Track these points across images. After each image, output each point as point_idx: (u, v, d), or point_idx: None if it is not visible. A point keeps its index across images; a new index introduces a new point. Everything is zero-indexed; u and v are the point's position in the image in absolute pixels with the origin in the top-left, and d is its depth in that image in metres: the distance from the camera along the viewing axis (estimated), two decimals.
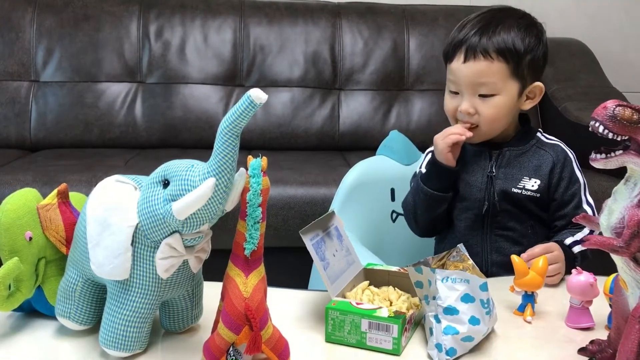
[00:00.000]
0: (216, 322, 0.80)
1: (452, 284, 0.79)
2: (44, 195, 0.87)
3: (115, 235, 0.74)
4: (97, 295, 0.83)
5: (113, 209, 0.75)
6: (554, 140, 1.15)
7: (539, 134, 1.15)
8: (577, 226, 1.09)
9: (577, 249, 1.06)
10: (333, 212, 0.94)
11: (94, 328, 0.84)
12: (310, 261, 1.48)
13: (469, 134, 1.07)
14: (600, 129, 0.64)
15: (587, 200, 1.11)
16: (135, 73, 2.22)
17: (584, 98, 2.20)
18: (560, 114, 2.15)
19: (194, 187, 0.71)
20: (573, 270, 0.87)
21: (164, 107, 2.20)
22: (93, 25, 2.20)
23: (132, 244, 0.75)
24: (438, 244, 1.24)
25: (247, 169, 0.74)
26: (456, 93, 1.09)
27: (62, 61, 2.18)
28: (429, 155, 1.18)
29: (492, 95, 1.06)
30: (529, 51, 1.06)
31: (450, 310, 0.78)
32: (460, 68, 1.07)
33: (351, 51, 2.30)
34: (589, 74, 2.37)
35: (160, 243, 0.74)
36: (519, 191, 1.09)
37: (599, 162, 0.66)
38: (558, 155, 1.11)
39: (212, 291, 0.87)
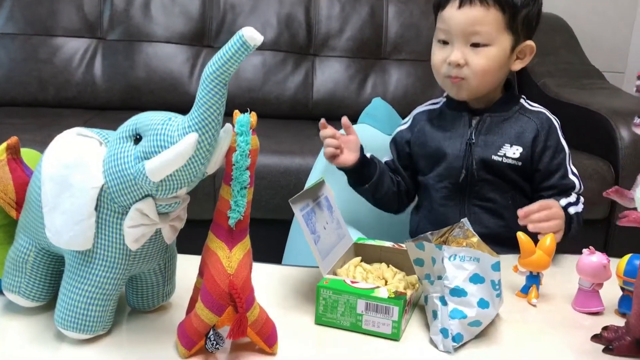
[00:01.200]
0: (193, 301, 0.70)
1: (461, 262, 0.71)
2: None
3: (76, 197, 0.64)
4: (53, 267, 0.73)
5: (74, 167, 0.65)
6: (538, 107, 1.09)
7: (522, 101, 1.09)
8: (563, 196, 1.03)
9: (572, 210, 1.01)
10: (323, 181, 0.85)
11: (48, 305, 0.74)
12: (283, 234, 1.41)
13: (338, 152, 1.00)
14: None
15: (572, 171, 1.06)
16: (95, 28, 2.06)
17: (563, 74, 2.16)
18: (540, 90, 2.09)
19: (171, 143, 0.61)
20: (584, 250, 0.80)
21: (125, 66, 2.05)
22: None
23: (96, 209, 0.65)
24: (414, 216, 1.17)
25: (233, 126, 0.64)
26: (445, 43, 1.03)
27: (14, 11, 2.00)
28: None
29: (485, 45, 1.00)
30: (525, 5, 1.01)
31: (457, 292, 0.70)
32: (454, 14, 1.01)
33: (327, 15, 2.18)
34: (568, 51, 2.32)
35: (129, 208, 0.64)
36: (499, 159, 1.03)
37: None
38: (542, 122, 1.05)
39: (186, 265, 0.77)
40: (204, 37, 2.11)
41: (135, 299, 0.75)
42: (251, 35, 0.58)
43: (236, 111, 0.65)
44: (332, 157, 1.00)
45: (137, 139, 0.63)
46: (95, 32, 2.06)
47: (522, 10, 1.01)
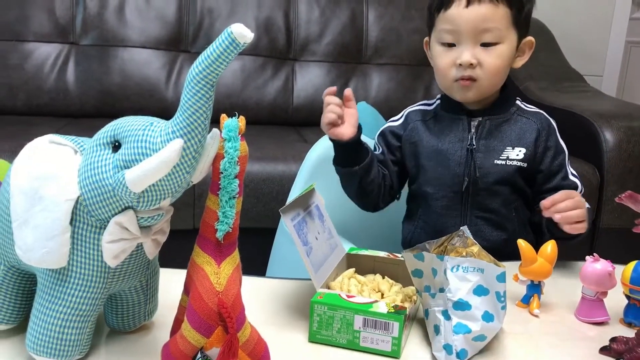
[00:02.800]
0: (178, 321, 0.65)
1: (464, 273, 0.67)
2: None
3: (48, 211, 0.59)
4: (24, 286, 0.67)
5: (46, 178, 0.59)
6: (534, 108, 1.06)
7: (518, 102, 1.06)
8: None
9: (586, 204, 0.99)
10: (313, 189, 0.80)
11: (18, 328, 0.68)
12: (266, 243, 1.37)
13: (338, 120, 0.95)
14: None
15: (572, 172, 1.04)
16: (67, 33, 1.99)
17: (545, 77, 2.15)
18: (522, 94, 2.08)
19: (154, 150, 0.56)
20: (588, 258, 0.77)
21: (99, 72, 1.98)
22: None
23: (71, 223, 0.59)
24: (407, 225, 1.12)
25: (220, 131, 0.60)
26: (451, 45, 0.98)
27: None
28: None
29: (496, 43, 0.97)
30: (528, 0, 0.99)
31: (461, 305, 0.66)
32: (462, 13, 0.96)
33: (307, 19, 2.15)
34: (549, 54, 2.31)
35: (108, 222, 0.59)
36: (503, 162, 1.00)
37: None
38: (542, 122, 1.03)
39: (169, 279, 0.72)
40: (181, 42, 2.06)
41: (115, 319, 0.70)
42: (240, 32, 0.53)
43: (223, 115, 0.60)
44: (330, 125, 0.94)
45: (116, 146, 0.58)
46: (68, 37, 1.99)
47: (527, 5, 0.99)
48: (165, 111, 1.99)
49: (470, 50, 0.96)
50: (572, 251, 0.96)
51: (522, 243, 0.78)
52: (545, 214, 0.89)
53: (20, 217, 0.60)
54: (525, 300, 0.81)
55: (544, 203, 0.90)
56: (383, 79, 2.19)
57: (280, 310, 0.77)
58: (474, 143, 1.01)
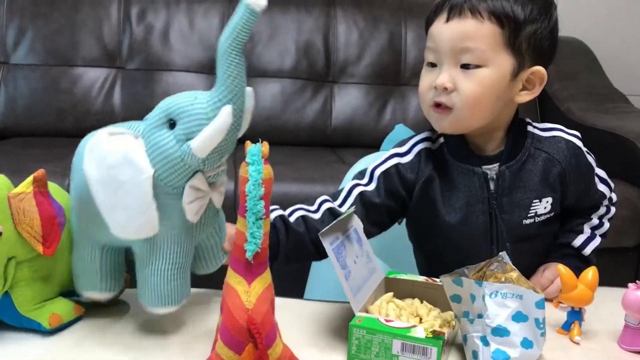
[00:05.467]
0: (215, 341, 0.67)
1: (503, 299, 0.67)
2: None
3: (132, 192, 0.67)
4: (118, 259, 0.78)
5: (120, 165, 0.67)
6: (550, 131, 0.92)
7: (530, 128, 0.91)
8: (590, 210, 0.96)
9: (589, 249, 0.95)
10: (352, 213, 0.82)
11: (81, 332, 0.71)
12: (304, 265, 1.38)
13: None
14: None
15: (601, 177, 0.94)
16: (114, 58, 2.06)
17: (586, 98, 2.12)
18: (564, 115, 2.06)
19: (207, 119, 0.65)
20: (631, 285, 0.76)
21: (144, 95, 2.05)
22: (70, 4, 2.03)
23: (153, 197, 0.68)
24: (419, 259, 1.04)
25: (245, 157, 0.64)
26: (434, 65, 0.86)
27: (36, 42, 2.01)
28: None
29: (477, 66, 0.82)
30: (531, 21, 0.83)
31: (500, 331, 0.66)
32: (441, 29, 0.84)
33: (345, 42, 2.18)
34: (591, 74, 2.29)
35: (183, 187, 0.68)
36: (532, 221, 0.89)
37: None
38: (565, 156, 0.89)
39: (208, 300, 0.75)
40: None
41: (200, 265, 0.79)
42: (255, 1, 0.62)
43: (247, 142, 0.64)
44: None
45: (172, 124, 0.66)
46: (115, 62, 2.06)
47: (527, 27, 0.83)
48: None
49: (448, 71, 0.83)
50: (616, 277, 0.94)
51: (562, 269, 0.78)
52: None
53: (107, 205, 0.68)
54: (566, 327, 0.80)
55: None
56: None
57: (319, 332, 0.78)
58: (495, 203, 0.88)
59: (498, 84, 0.84)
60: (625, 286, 0.77)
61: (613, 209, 0.98)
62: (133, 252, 0.74)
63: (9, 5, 2.01)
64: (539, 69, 0.86)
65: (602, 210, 0.97)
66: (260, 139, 0.64)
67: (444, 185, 0.90)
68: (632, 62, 2.57)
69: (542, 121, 1.00)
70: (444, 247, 0.93)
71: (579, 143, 0.92)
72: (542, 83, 0.87)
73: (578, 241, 0.96)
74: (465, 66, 0.83)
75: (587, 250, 0.96)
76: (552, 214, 0.91)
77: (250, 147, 0.63)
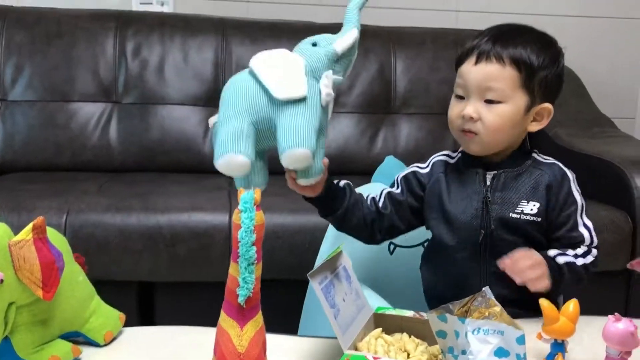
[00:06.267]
0: None
1: (485, 336, 0.70)
2: (16, 226, 0.76)
3: (294, 70, 0.90)
4: (256, 140, 0.90)
5: (287, 58, 0.92)
6: (551, 159, 1.09)
7: (534, 154, 1.09)
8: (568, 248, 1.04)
9: (561, 259, 1.01)
10: (341, 251, 0.85)
11: None
12: (299, 294, 1.40)
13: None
14: None
15: (584, 223, 1.05)
16: (110, 93, 2.10)
17: (573, 124, 2.16)
18: (552, 140, 2.10)
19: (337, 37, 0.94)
20: (610, 317, 0.79)
21: (140, 128, 2.08)
22: (67, 41, 2.07)
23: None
24: (425, 273, 1.16)
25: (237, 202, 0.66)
26: (462, 98, 1.05)
27: (33, 79, 2.05)
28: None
29: (499, 102, 1.01)
30: (543, 68, 1.02)
31: None
32: (470, 70, 1.03)
33: None
34: (578, 100, 2.33)
35: (321, 74, 0.91)
36: (517, 216, 1.03)
37: None
38: (555, 174, 1.05)
39: (202, 340, 0.77)
40: (217, 98, 2.12)
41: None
42: None
43: (240, 189, 0.67)
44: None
45: (314, 44, 0.93)
46: (111, 97, 2.10)
47: (539, 72, 1.02)
48: (202, 164, 2.07)
49: (474, 104, 1.02)
50: (606, 300, 0.97)
51: (544, 303, 0.81)
52: (507, 271, 0.94)
53: (274, 76, 0.88)
54: (550, 358, 0.83)
55: (502, 263, 0.94)
56: (412, 129, 2.24)
57: None
58: (489, 195, 1.05)
59: (514, 117, 1.03)
60: (613, 313, 0.80)
61: (590, 257, 1.03)
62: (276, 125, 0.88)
63: (6, 42, 2.05)
64: (548, 105, 1.05)
65: (580, 250, 1.03)
66: (252, 187, 0.67)
67: (451, 183, 1.09)
68: (616, 85, 2.63)
69: (531, 146, 1.09)
70: (445, 234, 1.08)
71: (571, 176, 1.07)
72: (549, 116, 1.06)
73: (553, 252, 1.02)
74: (489, 101, 1.02)
75: (560, 260, 1.01)
76: (538, 219, 1.03)
77: (242, 194, 0.66)
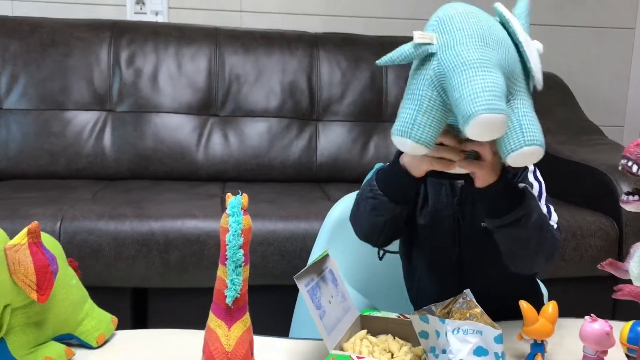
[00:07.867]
0: None
1: (464, 335, 0.72)
2: (10, 232, 0.78)
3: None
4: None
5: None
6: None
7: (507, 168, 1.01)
8: None
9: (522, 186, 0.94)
10: (327, 254, 0.87)
11: None
12: (291, 300, 1.42)
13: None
14: (634, 168, 0.58)
15: (547, 207, 0.99)
16: (105, 101, 2.13)
17: (562, 131, 2.20)
18: None
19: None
20: (587, 317, 0.81)
21: (134, 136, 2.10)
22: (61, 51, 2.10)
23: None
24: (410, 286, 1.14)
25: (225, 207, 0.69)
26: None
27: (28, 88, 2.07)
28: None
29: None
30: None
31: None
32: None
33: (329, 82, 2.26)
34: (565, 108, 2.37)
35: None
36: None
37: (632, 204, 0.61)
38: (517, 169, 0.99)
39: (193, 341, 0.79)
40: (211, 106, 2.17)
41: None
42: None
43: (228, 194, 0.69)
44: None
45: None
46: (105, 105, 2.12)
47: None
48: (196, 172, 2.10)
49: None
50: (594, 306, 0.99)
51: (523, 304, 0.83)
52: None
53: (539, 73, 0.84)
54: (530, 358, 0.85)
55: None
56: None
57: None
58: (457, 209, 1.00)
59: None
60: (602, 316, 0.82)
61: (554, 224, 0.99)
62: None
63: (1, 52, 2.07)
64: None
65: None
66: (240, 192, 0.70)
67: (422, 193, 1.03)
68: (605, 94, 2.66)
69: None
70: (420, 252, 1.06)
71: (532, 167, 1.01)
72: None
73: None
74: None
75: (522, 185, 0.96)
76: None
77: (230, 199, 0.68)
